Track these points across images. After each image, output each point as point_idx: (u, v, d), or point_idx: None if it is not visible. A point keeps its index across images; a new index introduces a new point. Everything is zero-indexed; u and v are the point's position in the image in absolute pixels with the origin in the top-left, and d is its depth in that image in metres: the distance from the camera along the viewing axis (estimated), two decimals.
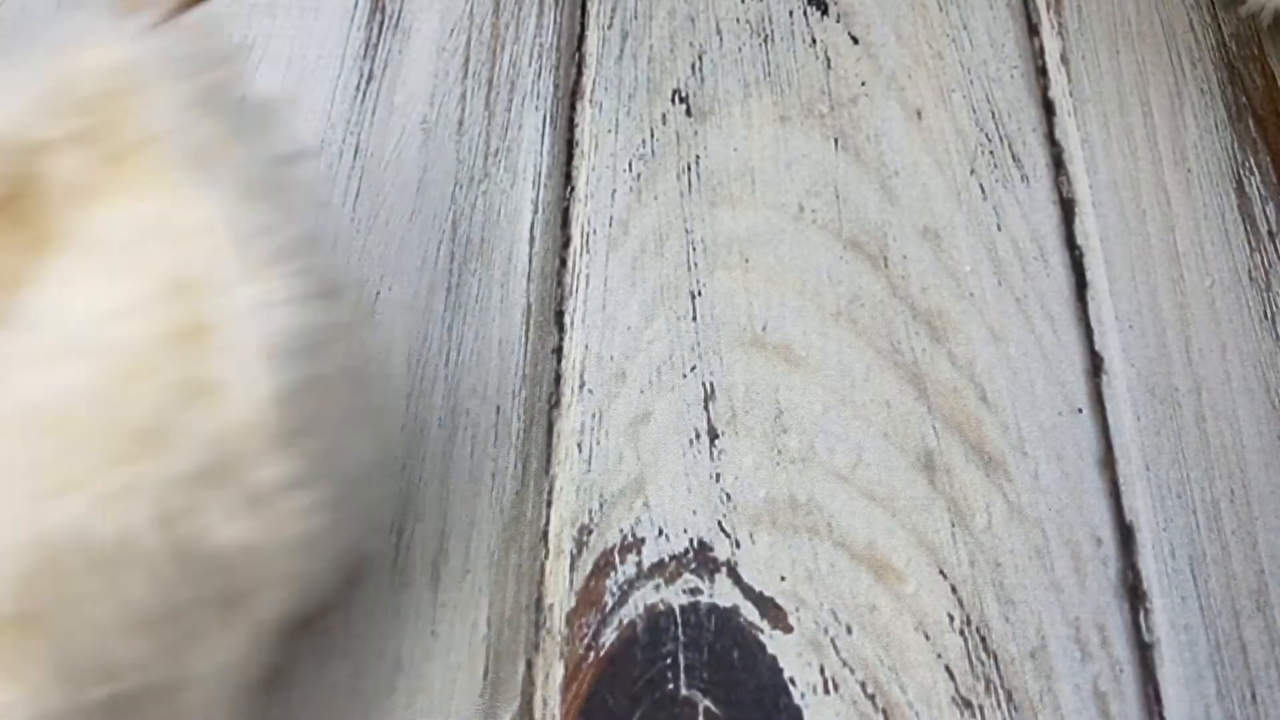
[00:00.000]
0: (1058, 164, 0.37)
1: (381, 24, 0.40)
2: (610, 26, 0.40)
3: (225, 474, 0.24)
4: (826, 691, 0.30)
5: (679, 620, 0.30)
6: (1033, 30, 0.40)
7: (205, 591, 0.24)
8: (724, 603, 0.31)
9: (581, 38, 0.40)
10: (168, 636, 0.24)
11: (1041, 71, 0.39)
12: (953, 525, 0.32)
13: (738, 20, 0.40)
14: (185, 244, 0.25)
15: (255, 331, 0.24)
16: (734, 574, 0.31)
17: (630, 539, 0.32)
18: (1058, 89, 0.38)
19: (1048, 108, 0.38)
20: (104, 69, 0.26)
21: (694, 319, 0.35)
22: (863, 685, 0.30)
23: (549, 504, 0.32)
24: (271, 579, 0.25)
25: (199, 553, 0.24)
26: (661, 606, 0.31)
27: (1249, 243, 0.36)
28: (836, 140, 0.38)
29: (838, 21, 0.40)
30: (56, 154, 0.26)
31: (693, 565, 0.31)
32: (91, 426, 0.23)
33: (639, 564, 0.31)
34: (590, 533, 0.32)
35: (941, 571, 0.31)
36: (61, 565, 0.22)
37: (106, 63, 0.26)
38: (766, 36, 0.40)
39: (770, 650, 0.30)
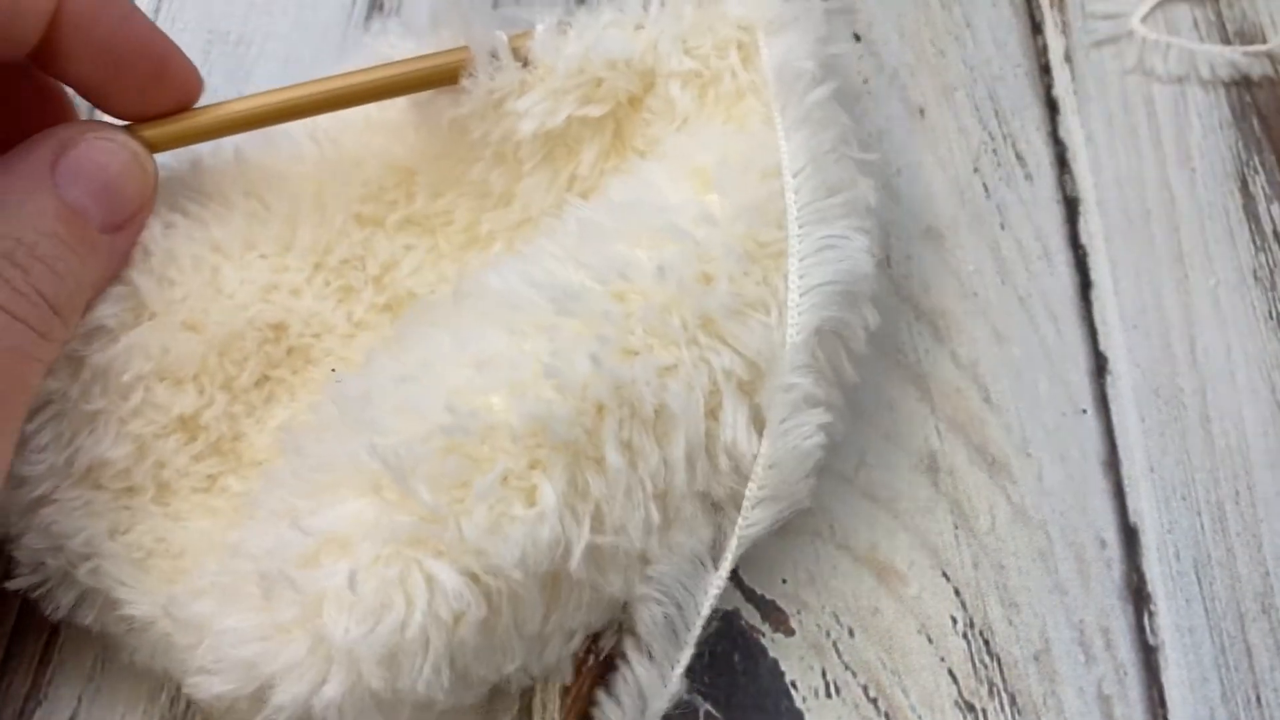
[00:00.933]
0: (1061, 163, 0.37)
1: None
2: None
3: (757, 384, 0.27)
4: (828, 695, 0.29)
5: None
6: (1036, 28, 0.39)
7: (701, 485, 0.27)
8: (725, 605, 0.30)
9: None
10: (655, 515, 0.26)
11: (1045, 70, 0.39)
12: (956, 527, 0.31)
13: None
14: (772, 177, 0.28)
15: (820, 268, 0.27)
16: (735, 576, 0.31)
17: None
18: (1061, 87, 0.38)
19: (1051, 106, 0.38)
20: (736, 19, 0.29)
21: None
22: (865, 689, 0.30)
23: None
24: (762, 496, 0.27)
25: (718, 447, 0.27)
26: None
27: (1254, 242, 0.35)
28: None
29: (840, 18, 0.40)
30: (667, 83, 0.30)
31: None
32: (657, 305, 0.26)
33: None
34: None
35: (944, 574, 0.31)
36: (612, 412, 0.25)
37: (739, 15, 0.29)
38: None
39: (772, 653, 0.30)
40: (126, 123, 0.28)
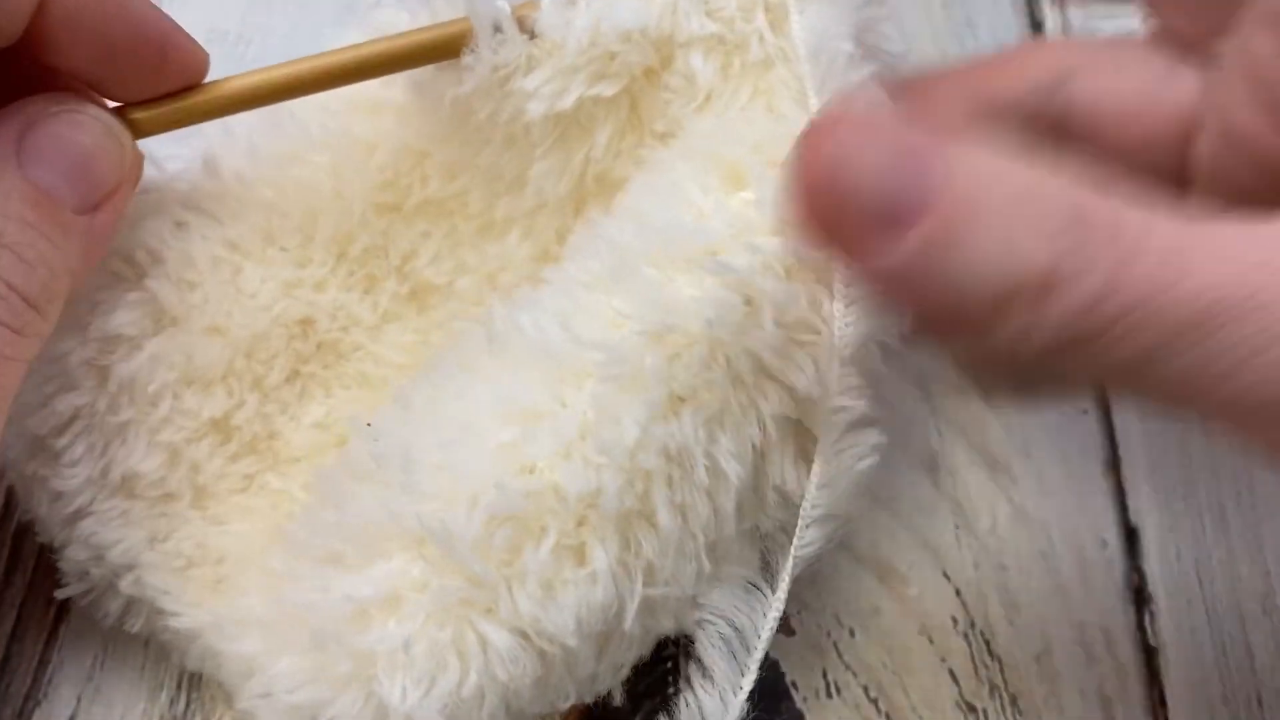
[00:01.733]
0: None
1: None
2: None
3: (806, 413, 0.26)
4: (829, 695, 0.29)
5: None
6: (1037, 27, 0.39)
7: (749, 524, 0.26)
8: None
9: None
10: (706, 564, 0.25)
11: None
12: (957, 528, 0.31)
13: None
14: None
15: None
16: None
17: None
18: None
19: None
20: None
21: None
22: (865, 689, 0.29)
23: None
24: (815, 515, 0.26)
25: (767, 485, 0.26)
26: None
27: None
28: None
29: None
30: (686, 54, 0.27)
31: None
32: (702, 345, 0.24)
33: None
34: None
35: (945, 574, 0.31)
36: (663, 475, 0.24)
37: None
38: None
39: (772, 654, 0.30)
40: (116, 104, 0.26)
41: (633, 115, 0.29)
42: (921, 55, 0.39)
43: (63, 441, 0.26)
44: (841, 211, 0.20)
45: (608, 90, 0.27)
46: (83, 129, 0.24)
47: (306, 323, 0.29)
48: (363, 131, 0.30)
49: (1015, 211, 0.19)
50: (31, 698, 0.29)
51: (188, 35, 0.26)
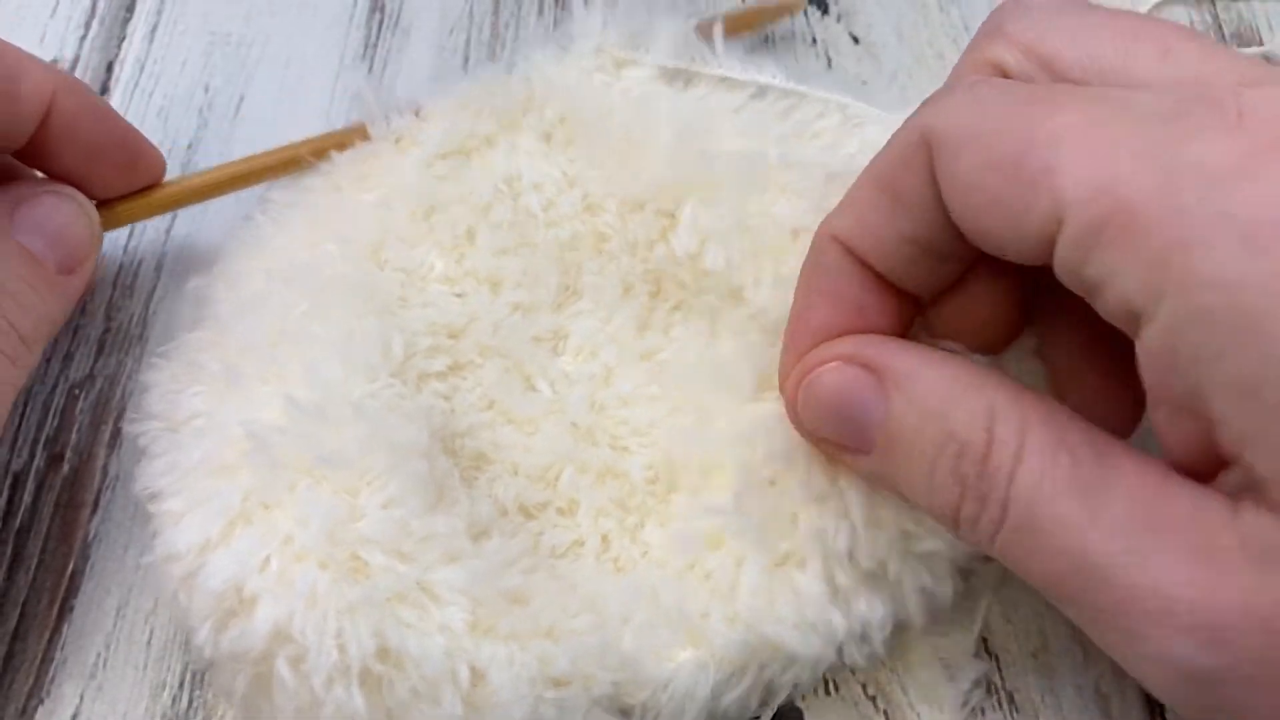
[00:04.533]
0: None
1: (381, 23, 0.40)
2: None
3: None
4: (827, 693, 0.30)
5: None
6: None
7: None
8: None
9: None
10: None
11: None
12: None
13: None
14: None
15: None
16: None
17: None
18: None
19: None
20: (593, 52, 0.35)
21: None
22: (864, 686, 0.30)
23: None
24: None
25: None
26: None
27: None
28: None
29: (838, 21, 0.40)
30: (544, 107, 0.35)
31: None
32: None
33: None
34: None
35: None
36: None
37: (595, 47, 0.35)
38: (767, 36, 0.40)
39: None
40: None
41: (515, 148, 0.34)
42: (919, 58, 0.39)
43: None
44: (819, 440, 0.27)
45: (485, 127, 0.33)
46: (61, 206, 0.30)
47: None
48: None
49: (936, 453, 0.23)
50: (34, 696, 0.29)
51: (151, 143, 0.32)
